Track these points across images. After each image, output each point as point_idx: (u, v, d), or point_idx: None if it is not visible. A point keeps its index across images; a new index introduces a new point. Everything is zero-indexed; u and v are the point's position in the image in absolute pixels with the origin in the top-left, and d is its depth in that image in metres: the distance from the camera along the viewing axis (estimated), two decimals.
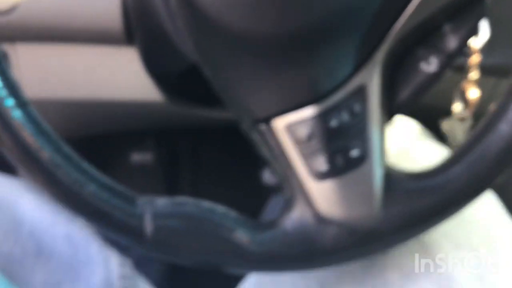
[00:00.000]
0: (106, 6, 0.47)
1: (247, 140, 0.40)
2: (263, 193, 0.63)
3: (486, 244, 0.46)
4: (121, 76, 0.53)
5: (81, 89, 0.54)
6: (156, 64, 0.45)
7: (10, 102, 0.34)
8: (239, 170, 0.77)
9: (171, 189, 0.84)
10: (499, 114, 0.35)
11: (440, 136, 0.50)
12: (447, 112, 0.48)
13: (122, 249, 0.51)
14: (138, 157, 0.82)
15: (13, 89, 0.35)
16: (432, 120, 0.52)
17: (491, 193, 0.50)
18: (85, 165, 0.36)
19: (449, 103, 0.47)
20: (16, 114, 0.34)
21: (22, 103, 0.35)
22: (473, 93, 0.44)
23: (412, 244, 0.45)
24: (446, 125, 0.49)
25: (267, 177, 0.40)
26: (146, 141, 0.82)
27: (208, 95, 0.42)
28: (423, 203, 0.36)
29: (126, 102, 0.55)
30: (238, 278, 0.51)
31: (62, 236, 0.48)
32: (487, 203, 0.49)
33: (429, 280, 0.44)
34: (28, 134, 0.34)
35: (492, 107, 0.37)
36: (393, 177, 0.37)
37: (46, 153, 0.34)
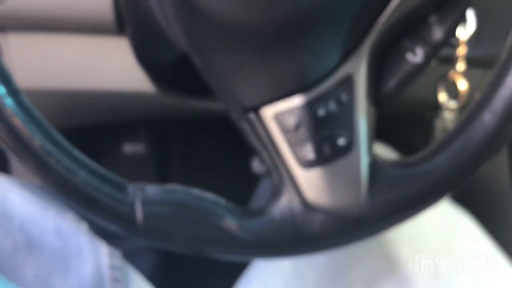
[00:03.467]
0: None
1: (237, 130, 0.41)
2: (253, 182, 0.64)
3: (443, 249, 0.48)
4: (113, 66, 0.53)
5: (73, 79, 0.54)
6: (147, 54, 0.45)
7: (1, 90, 0.35)
8: (230, 160, 0.78)
9: (163, 179, 0.84)
10: (483, 104, 0.36)
11: (428, 127, 0.51)
12: (434, 103, 0.48)
13: (113, 241, 0.51)
14: (130, 147, 0.82)
15: (4, 77, 0.35)
16: (418, 111, 0.53)
17: (449, 200, 0.52)
18: (76, 152, 0.36)
19: (436, 95, 0.48)
20: (8, 102, 0.35)
21: (13, 91, 0.35)
22: (462, 84, 0.45)
23: (373, 248, 0.47)
24: (436, 116, 0.49)
25: (256, 165, 0.41)
26: (138, 132, 0.82)
27: (198, 85, 0.43)
28: (408, 191, 0.37)
29: (118, 92, 0.55)
30: (229, 269, 0.52)
31: (52, 229, 0.48)
32: (446, 208, 0.51)
33: (389, 282, 0.46)
34: (19, 122, 0.35)
35: (477, 96, 0.37)
36: (378, 166, 0.38)
37: (37, 140, 0.35)
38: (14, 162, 0.73)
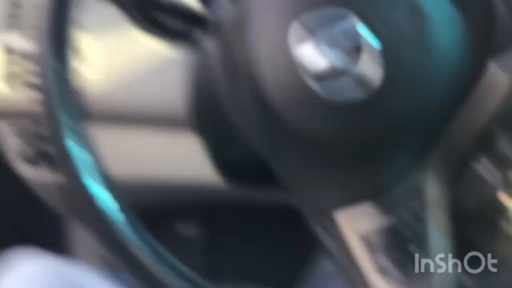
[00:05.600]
0: (174, 96, 0.50)
1: (292, 222, 0.42)
2: (306, 273, 0.64)
3: None
4: (178, 157, 0.56)
5: (142, 168, 0.57)
6: (222, 153, 0.47)
7: (113, 205, 0.37)
8: (282, 250, 0.78)
9: (211, 264, 0.84)
10: None
11: (492, 227, 0.50)
12: (498, 204, 0.48)
13: None
14: (182, 227, 0.83)
15: (116, 191, 0.38)
16: (483, 210, 0.53)
17: None
18: (185, 270, 0.38)
19: None
20: (120, 218, 0.37)
21: (123, 208, 0.38)
22: None
23: None
24: (501, 217, 0.49)
25: (327, 265, 0.42)
26: (190, 212, 0.83)
27: (269, 178, 0.45)
28: None
29: (184, 181, 0.57)
30: None
31: None
32: None
33: None
34: (131, 241, 0.37)
35: None
36: (454, 276, 0.38)
37: (148, 260, 0.37)
38: (77, 240, 0.75)
